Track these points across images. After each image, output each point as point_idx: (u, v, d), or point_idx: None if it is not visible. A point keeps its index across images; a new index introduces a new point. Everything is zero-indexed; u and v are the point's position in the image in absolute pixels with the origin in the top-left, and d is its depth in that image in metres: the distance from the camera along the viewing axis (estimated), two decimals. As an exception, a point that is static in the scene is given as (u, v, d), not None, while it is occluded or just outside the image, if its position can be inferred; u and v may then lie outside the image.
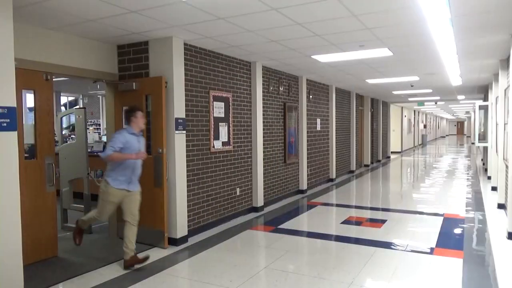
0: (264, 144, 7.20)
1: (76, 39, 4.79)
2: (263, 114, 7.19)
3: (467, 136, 44.71)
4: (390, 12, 4.07)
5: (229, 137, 6.19)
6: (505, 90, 6.55)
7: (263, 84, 7.18)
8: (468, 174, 12.06)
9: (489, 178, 9.45)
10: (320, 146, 9.96)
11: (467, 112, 32.91)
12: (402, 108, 21.46)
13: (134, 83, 5.03)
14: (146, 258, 4.25)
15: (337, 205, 7.91)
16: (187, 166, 5.25)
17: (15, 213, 3.27)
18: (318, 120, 9.79)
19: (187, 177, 5.24)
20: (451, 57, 6.51)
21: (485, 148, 11.42)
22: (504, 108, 6.47)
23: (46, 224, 4.44)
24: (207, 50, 5.70)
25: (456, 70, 8.03)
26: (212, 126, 5.79)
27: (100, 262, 4.40)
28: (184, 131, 5.14)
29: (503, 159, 6.54)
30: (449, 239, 5.32)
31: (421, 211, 6.89)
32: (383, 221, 6.13)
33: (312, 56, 6.40)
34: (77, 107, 13.00)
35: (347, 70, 8.05)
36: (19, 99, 3.84)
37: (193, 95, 5.43)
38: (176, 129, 4.97)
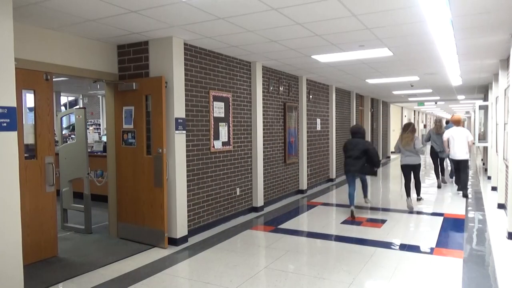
0: (264, 144, 7.20)
1: (76, 39, 4.79)
2: (263, 114, 7.19)
3: (467, 136, 44.56)
4: (390, 12, 4.07)
5: (229, 137, 6.19)
6: (505, 90, 6.55)
7: (263, 84, 7.18)
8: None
9: (489, 178, 9.45)
10: (320, 146, 9.96)
11: (467, 112, 32.88)
12: (402, 108, 21.46)
13: (134, 83, 5.03)
14: None
15: (337, 205, 7.91)
16: (187, 166, 5.25)
17: (15, 213, 3.27)
18: (318, 120, 9.79)
19: (187, 177, 5.24)
20: (451, 57, 6.50)
21: (485, 148, 11.41)
22: (504, 108, 6.46)
23: (46, 224, 4.44)
24: (207, 50, 5.70)
25: (456, 70, 8.02)
26: (212, 126, 5.79)
27: (100, 262, 4.40)
28: (184, 131, 5.14)
29: (503, 159, 6.54)
30: (449, 239, 5.32)
31: (421, 211, 6.89)
32: (383, 221, 6.13)
33: (312, 56, 6.40)
34: (77, 107, 13.03)
35: (347, 70, 8.05)
36: (19, 99, 3.85)
37: (193, 95, 5.43)
38: (176, 129, 4.97)
